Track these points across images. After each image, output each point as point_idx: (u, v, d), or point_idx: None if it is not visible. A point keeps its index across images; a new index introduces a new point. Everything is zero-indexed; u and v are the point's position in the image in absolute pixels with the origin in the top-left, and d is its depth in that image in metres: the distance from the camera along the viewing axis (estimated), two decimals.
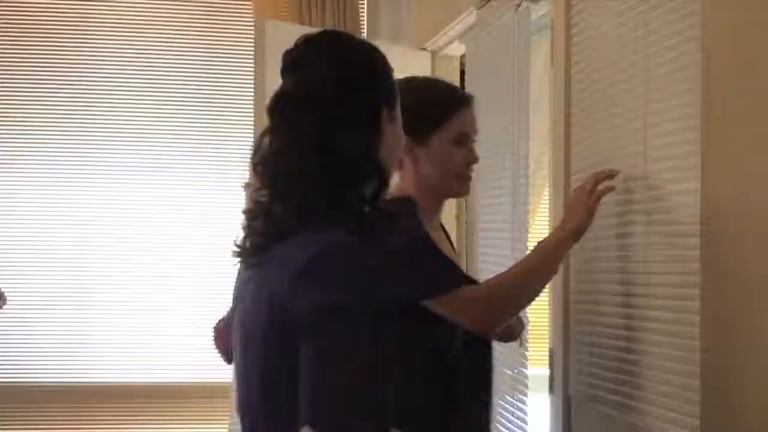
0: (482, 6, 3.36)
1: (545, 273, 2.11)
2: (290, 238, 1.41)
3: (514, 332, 2.32)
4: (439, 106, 2.12)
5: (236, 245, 1.49)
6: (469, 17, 3.55)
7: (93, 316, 4.84)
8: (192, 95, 4.94)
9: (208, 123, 4.93)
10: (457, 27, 3.74)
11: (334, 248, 1.36)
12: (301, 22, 4.54)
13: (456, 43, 3.86)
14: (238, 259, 1.51)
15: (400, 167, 2.17)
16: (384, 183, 1.47)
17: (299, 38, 1.53)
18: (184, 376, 4.80)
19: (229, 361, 2.81)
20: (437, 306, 2.00)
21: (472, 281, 2.14)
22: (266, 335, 1.40)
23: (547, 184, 2.95)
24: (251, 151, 1.49)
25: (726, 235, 1.81)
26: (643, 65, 2.17)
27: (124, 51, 4.88)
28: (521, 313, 2.35)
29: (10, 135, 4.84)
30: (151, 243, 4.87)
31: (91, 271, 4.86)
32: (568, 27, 2.62)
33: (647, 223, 2.18)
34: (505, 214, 3.05)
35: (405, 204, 2.10)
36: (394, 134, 1.52)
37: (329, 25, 4.45)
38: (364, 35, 4.69)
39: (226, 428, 4.14)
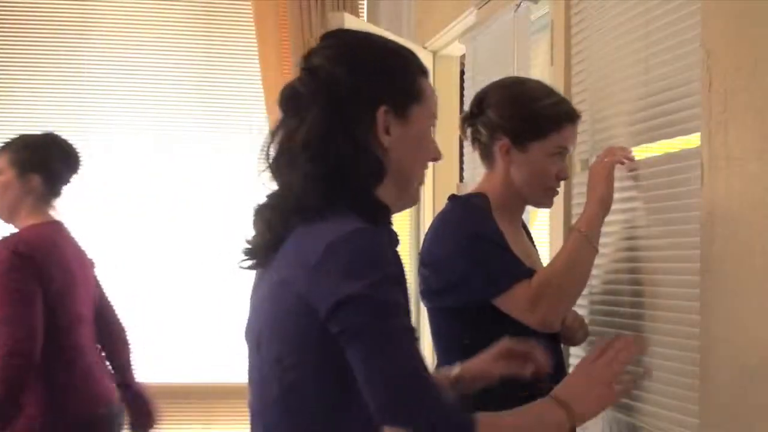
0: (482, 6, 3.36)
1: (588, 252, 2.09)
2: (298, 231, 1.41)
3: (575, 337, 2.32)
4: (549, 118, 2.11)
5: (247, 243, 1.49)
6: (469, 17, 3.55)
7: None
8: (191, 94, 4.92)
9: (209, 123, 4.92)
10: (457, 27, 3.74)
11: (348, 235, 1.35)
12: (301, 22, 4.53)
13: (456, 43, 3.86)
14: (249, 259, 1.50)
15: (491, 164, 2.18)
16: (377, 179, 1.44)
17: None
18: (204, 377, 4.76)
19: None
20: (499, 305, 2.03)
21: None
22: (284, 331, 1.39)
23: None
24: (262, 146, 1.49)
25: (726, 234, 1.81)
26: (644, 65, 2.17)
27: (123, 51, 4.87)
28: (583, 319, 2.36)
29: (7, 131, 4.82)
30: (163, 242, 4.84)
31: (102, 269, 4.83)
32: (568, 27, 2.62)
33: (647, 224, 2.17)
34: None
35: (480, 201, 2.13)
36: (409, 135, 1.47)
37: (328, 25, 4.42)
38: None
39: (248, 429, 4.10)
